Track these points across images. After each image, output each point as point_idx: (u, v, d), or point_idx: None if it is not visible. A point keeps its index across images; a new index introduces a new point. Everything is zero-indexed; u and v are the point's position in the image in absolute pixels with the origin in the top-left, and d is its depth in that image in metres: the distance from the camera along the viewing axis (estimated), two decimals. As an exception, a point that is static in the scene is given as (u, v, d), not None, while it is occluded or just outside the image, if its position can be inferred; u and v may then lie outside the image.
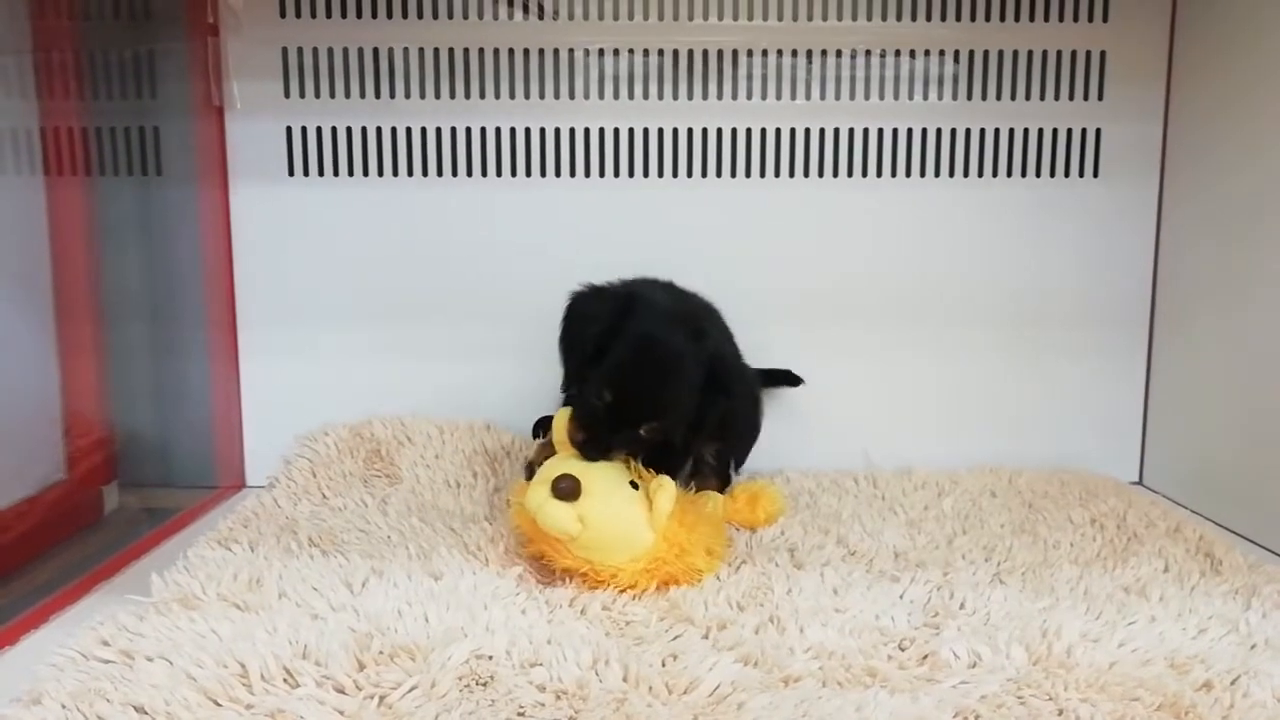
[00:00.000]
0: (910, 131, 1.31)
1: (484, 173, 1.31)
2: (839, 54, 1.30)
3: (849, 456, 1.35)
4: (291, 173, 1.29)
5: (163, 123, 1.25)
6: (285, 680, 0.71)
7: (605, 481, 0.93)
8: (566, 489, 0.90)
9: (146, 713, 0.67)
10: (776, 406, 1.35)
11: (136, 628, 0.79)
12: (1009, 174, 1.33)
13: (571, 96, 1.30)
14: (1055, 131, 1.32)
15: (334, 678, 0.71)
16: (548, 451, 1.04)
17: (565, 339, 1.01)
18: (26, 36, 1.13)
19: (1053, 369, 1.36)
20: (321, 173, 1.30)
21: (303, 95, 1.28)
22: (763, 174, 1.32)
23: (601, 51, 1.29)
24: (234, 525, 1.07)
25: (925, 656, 0.78)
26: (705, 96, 1.30)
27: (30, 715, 0.67)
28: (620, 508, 0.92)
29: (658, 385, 0.94)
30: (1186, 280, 1.29)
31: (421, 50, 1.28)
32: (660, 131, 1.31)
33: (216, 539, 1.02)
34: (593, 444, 0.95)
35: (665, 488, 0.92)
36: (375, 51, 1.28)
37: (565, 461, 0.97)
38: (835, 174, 1.32)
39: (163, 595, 0.86)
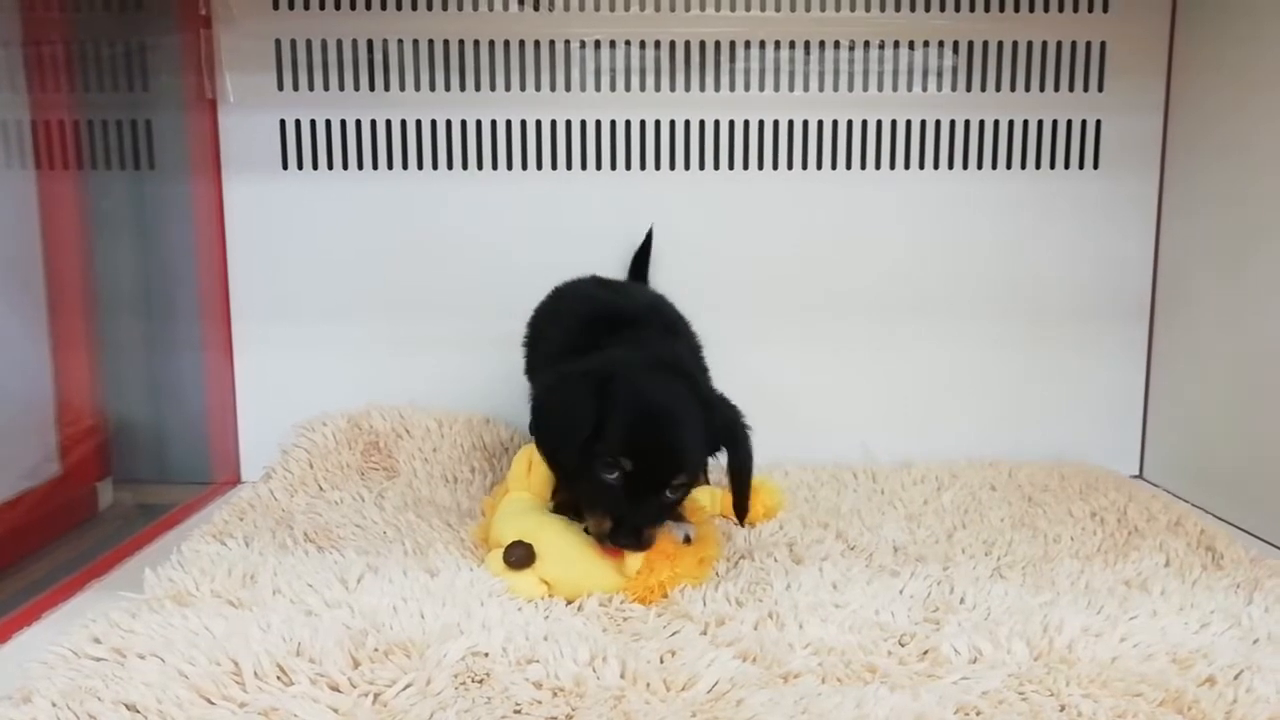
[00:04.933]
0: (909, 123, 1.31)
1: (479, 165, 1.30)
2: (836, 45, 1.29)
3: (847, 450, 1.34)
4: (285, 166, 1.28)
5: (155, 116, 1.24)
6: (279, 678, 0.70)
7: (560, 535, 0.90)
8: (519, 560, 0.87)
9: (138, 711, 0.66)
10: (774, 401, 1.34)
11: (128, 625, 0.78)
12: (1008, 166, 1.32)
13: (568, 89, 1.29)
14: (1055, 123, 1.31)
15: (328, 675, 0.71)
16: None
17: (552, 434, 0.90)
18: (16, 29, 1.12)
19: (1052, 361, 1.35)
20: (316, 166, 1.29)
21: (296, 88, 1.27)
22: (760, 166, 1.31)
23: (598, 43, 1.28)
24: (229, 518, 1.06)
25: (926, 652, 0.78)
26: (702, 88, 1.29)
27: (20, 714, 0.66)
28: (580, 558, 0.88)
29: (679, 436, 0.86)
30: (1187, 272, 1.28)
31: (416, 42, 1.27)
32: (657, 123, 1.30)
33: (211, 532, 1.01)
34: (625, 532, 0.85)
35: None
36: (369, 43, 1.27)
37: (518, 515, 0.94)
38: (833, 167, 1.31)
39: (155, 592, 0.85)
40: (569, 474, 0.89)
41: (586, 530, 0.90)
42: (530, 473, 0.98)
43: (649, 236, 1.29)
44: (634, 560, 0.88)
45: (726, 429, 0.90)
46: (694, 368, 0.99)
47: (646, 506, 0.86)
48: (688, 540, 0.93)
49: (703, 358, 1.08)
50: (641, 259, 1.29)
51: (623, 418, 0.85)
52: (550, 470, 0.95)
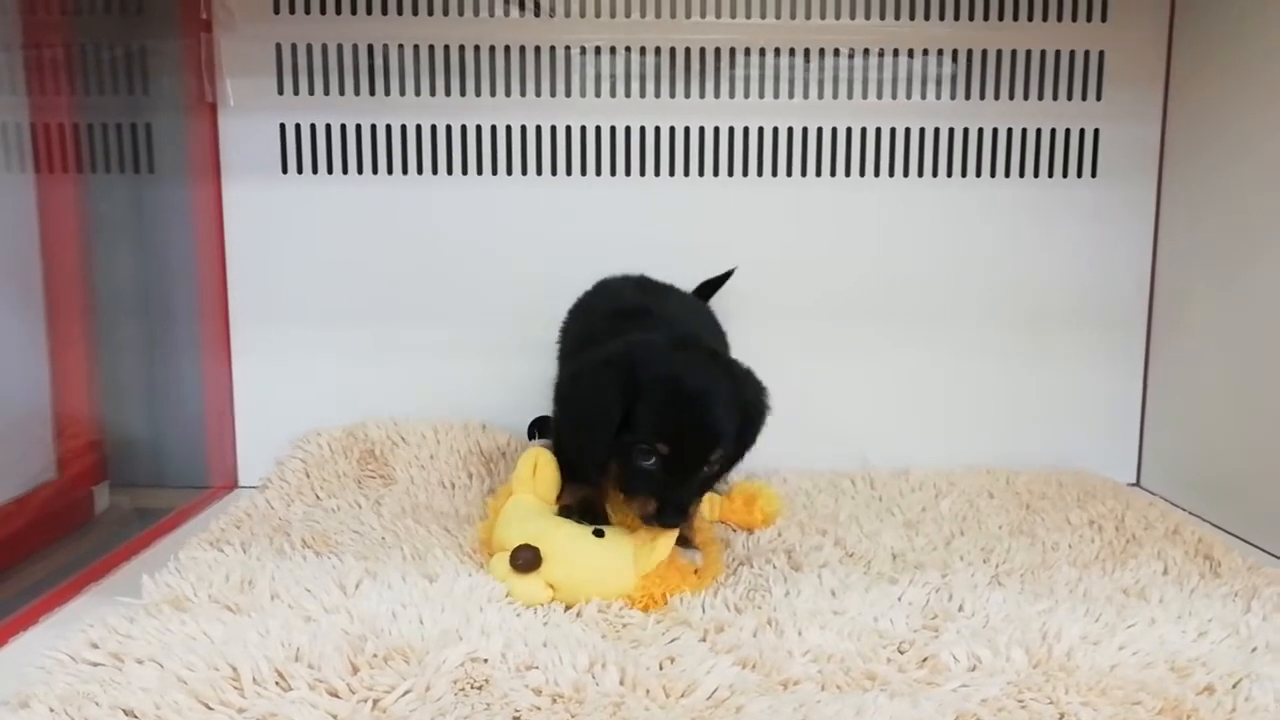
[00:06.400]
0: (908, 131, 1.31)
1: (479, 170, 1.30)
2: (836, 53, 1.29)
3: (846, 457, 1.34)
4: (285, 170, 1.28)
5: (155, 119, 1.24)
6: (278, 683, 0.70)
7: (568, 539, 0.89)
8: (525, 563, 0.87)
9: (136, 716, 0.66)
10: (772, 407, 1.34)
11: (126, 630, 0.78)
12: (1007, 174, 1.32)
13: (568, 94, 1.29)
14: (1054, 132, 1.31)
15: (327, 681, 0.70)
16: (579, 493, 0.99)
17: (579, 428, 0.89)
18: (17, 31, 1.12)
19: (1050, 369, 1.36)
20: (315, 170, 1.29)
21: (296, 92, 1.27)
22: (760, 173, 1.31)
23: (598, 49, 1.28)
24: (226, 526, 1.06)
25: (925, 659, 0.78)
26: (702, 95, 1.30)
27: (18, 719, 0.66)
28: (587, 563, 0.88)
29: (712, 414, 0.85)
30: (1184, 281, 1.29)
31: (416, 47, 1.27)
32: (657, 130, 1.30)
33: (208, 540, 1.01)
34: (670, 510, 0.85)
35: (662, 542, 0.88)
36: (370, 48, 1.27)
37: (524, 518, 0.94)
38: (833, 173, 1.32)
39: (153, 597, 0.85)
40: (598, 465, 0.88)
41: (601, 529, 0.90)
42: (535, 475, 0.98)
43: (728, 275, 1.28)
44: (646, 562, 0.87)
45: (751, 405, 0.90)
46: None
47: (688, 485, 0.86)
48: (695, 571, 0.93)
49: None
50: (711, 286, 1.28)
51: (653, 403, 0.84)
52: (563, 469, 0.94)
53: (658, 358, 0.87)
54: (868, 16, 1.28)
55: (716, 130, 1.30)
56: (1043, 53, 1.30)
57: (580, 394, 0.90)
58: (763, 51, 1.29)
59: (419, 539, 1.02)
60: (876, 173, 1.32)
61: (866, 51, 1.29)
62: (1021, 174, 1.32)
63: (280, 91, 1.27)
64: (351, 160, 1.29)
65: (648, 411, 0.84)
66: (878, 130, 1.31)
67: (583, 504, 0.95)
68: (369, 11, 1.26)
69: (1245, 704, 0.71)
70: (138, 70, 1.23)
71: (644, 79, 1.29)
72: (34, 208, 1.14)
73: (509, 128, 1.29)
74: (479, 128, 1.29)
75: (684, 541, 0.95)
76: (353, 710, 0.68)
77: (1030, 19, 1.29)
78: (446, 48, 1.27)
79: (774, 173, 1.31)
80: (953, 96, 1.30)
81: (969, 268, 1.34)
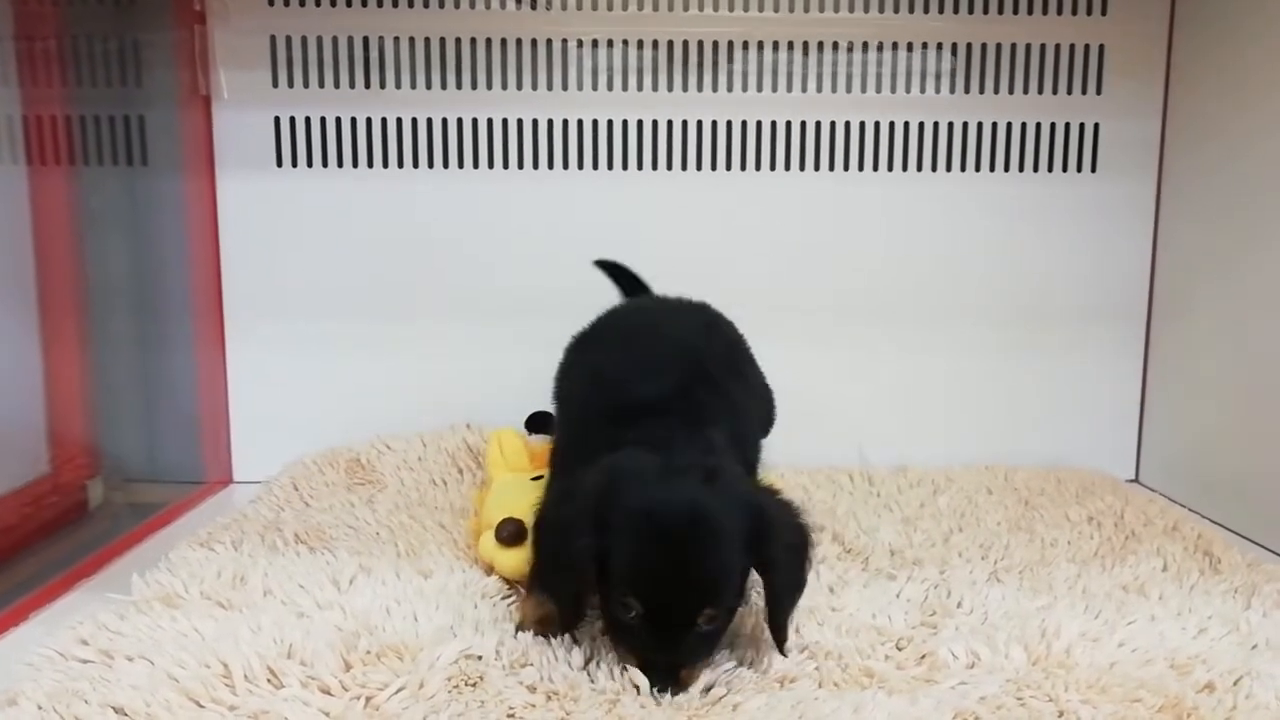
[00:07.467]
0: (907, 125, 1.30)
1: (475, 164, 1.29)
2: (835, 47, 1.29)
3: (843, 453, 1.34)
4: (280, 163, 1.28)
5: (149, 112, 1.23)
6: (269, 680, 0.70)
7: None
8: (511, 535, 0.87)
9: (126, 714, 0.65)
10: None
11: (117, 626, 0.77)
12: (1006, 169, 1.31)
13: (565, 88, 1.28)
14: (1053, 126, 1.30)
15: (320, 678, 0.70)
16: None
17: (548, 575, 0.77)
18: (9, 22, 1.11)
19: (1049, 365, 1.35)
20: (310, 163, 1.28)
21: (291, 85, 1.26)
22: (757, 167, 1.30)
23: (595, 42, 1.27)
24: (214, 530, 1.03)
25: (923, 656, 0.77)
26: (700, 89, 1.29)
27: (6, 716, 0.65)
28: None
29: (698, 563, 0.70)
30: (1184, 276, 1.28)
31: (412, 40, 1.26)
32: (654, 124, 1.29)
33: (198, 542, 0.99)
34: (657, 676, 0.71)
35: None
36: (365, 41, 1.26)
37: (507, 496, 0.93)
38: (831, 168, 1.31)
39: (144, 594, 0.84)
40: (572, 608, 0.75)
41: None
42: (503, 454, 0.99)
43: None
44: None
45: (762, 532, 0.72)
46: (734, 448, 0.80)
47: (676, 645, 0.71)
48: None
49: (753, 432, 0.93)
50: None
51: (622, 545, 0.70)
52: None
53: (636, 485, 0.72)
54: (866, 10, 1.28)
55: (714, 124, 1.29)
56: (1042, 46, 1.29)
57: (548, 534, 0.77)
58: (760, 45, 1.28)
59: (413, 534, 1.01)
60: (875, 167, 1.31)
61: (865, 45, 1.28)
62: (1021, 169, 1.31)
63: (275, 84, 1.26)
64: (346, 154, 1.28)
65: (617, 555, 0.70)
66: (876, 125, 1.30)
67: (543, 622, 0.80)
68: (364, 4, 1.25)
69: (1246, 701, 0.70)
70: (131, 62, 1.22)
71: (641, 73, 1.28)
72: (26, 200, 1.13)
73: (505, 121, 1.28)
74: (475, 121, 1.28)
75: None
76: (345, 708, 0.67)
77: (1030, 12, 1.28)
78: (443, 40, 1.26)
79: (771, 167, 1.30)
80: (952, 90, 1.30)
81: (968, 263, 1.33)
